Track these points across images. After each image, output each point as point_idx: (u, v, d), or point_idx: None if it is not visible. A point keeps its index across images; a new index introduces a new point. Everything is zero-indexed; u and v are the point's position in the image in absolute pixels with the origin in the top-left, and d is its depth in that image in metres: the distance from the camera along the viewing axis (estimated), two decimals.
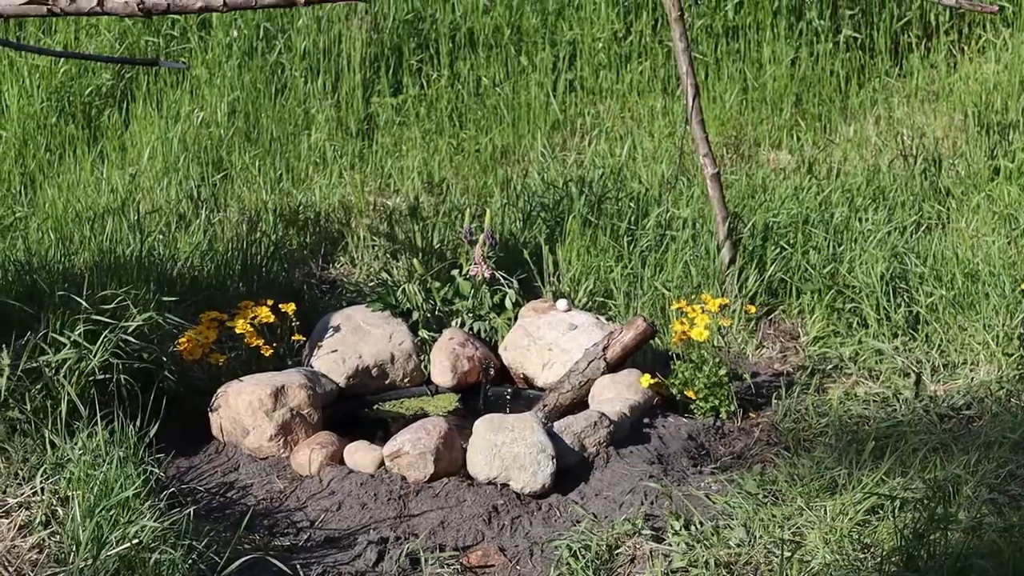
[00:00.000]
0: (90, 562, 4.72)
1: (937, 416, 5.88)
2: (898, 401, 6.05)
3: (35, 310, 6.36)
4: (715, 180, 6.95)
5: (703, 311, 6.27)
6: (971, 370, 6.27)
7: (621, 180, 7.99)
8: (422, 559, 5.20)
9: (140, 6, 6.82)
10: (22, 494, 5.28)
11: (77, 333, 5.84)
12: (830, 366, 6.43)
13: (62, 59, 9.59)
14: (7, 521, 5.16)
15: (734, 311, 6.53)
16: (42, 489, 5.27)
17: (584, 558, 5.04)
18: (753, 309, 6.78)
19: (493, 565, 5.24)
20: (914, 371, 6.26)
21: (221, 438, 6.16)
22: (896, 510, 5.05)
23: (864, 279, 6.77)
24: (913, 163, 8.24)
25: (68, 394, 5.64)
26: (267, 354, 6.33)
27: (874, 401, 6.09)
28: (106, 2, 6.65)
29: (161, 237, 7.59)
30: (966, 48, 10.39)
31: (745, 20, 10.15)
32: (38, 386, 5.70)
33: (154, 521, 4.91)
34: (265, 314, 6.41)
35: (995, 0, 10.00)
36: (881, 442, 5.58)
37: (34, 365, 5.75)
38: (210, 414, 6.16)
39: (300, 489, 5.76)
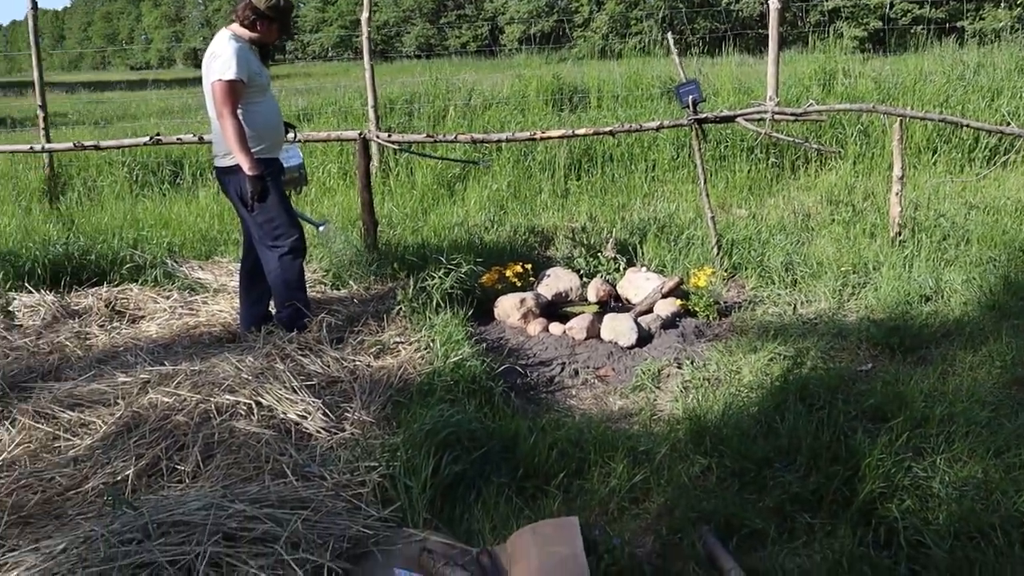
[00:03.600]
0: (443, 363, 4.96)
1: (801, 322, 5.92)
2: (785, 315, 6.08)
3: (423, 263, 6.62)
4: (712, 220, 6.97)
5: (704, 273, 6.37)
6: (817, 303, 6.27)
7: (672, 218, 8.01)
8: (579, 371, 5.37)
9: (472, 138, 6.99)
10: (417, 337, 5.52)
11: (440, 272, 6.03)
12: (758, 300, 6.43)
13: (438, 161, 9.78)
14: (411, 347, 5.41)
15: (717, 274, 6.53)
16: (424, 335, 5.52)
17: (647, 374, 5.18)
18: (725, 274, 6.80)
19: (609, 375, 5.36)
20: (792, 302, 6.28)
21: (498, 319, 6.26)
22: (781, 359, 5.14)
23: (774, 263, 6.78)
24: (796, 217, 8.17)
25: (435, 297, 5.85)
26: (519, 284, 6.44)
27: (775, 315, 6.10)
28: (459, 135, 6.81)
29: (477, 234, 7.76)
30: (821, 167, 10.25)
31: (729, 152, 10.08)
32: (423, 294, 5.91)
33: (469, 348, 5.16)
34: (518, 268, 6.54)
35: (835, 145, 9.98)
36: (777, 331, 5.66)
37: (422, 285, 5.98)
38: (494, 308, 6.27)
39: (530, 341, 5.85)
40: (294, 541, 3.24)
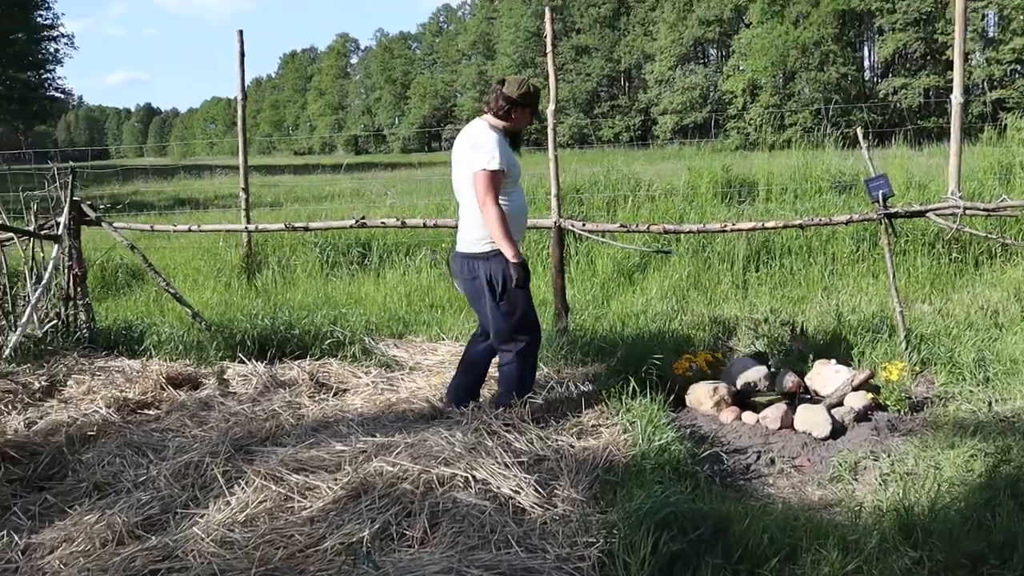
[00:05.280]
0: (647, 447, 5.08)
1: (999, 419, 5.82)
2: (980, 412, 6.00)
3: (612, 348, 6.81)
4: (901, 315, 6.95)
5: (896, 367, 6.35)
6: (1013, 402, 6.16)
7: (855, 311, 7.99)
8: (775, 460, 5.44)
9: (664, 228, 7.19)
10: (615, 420, 5.68)
11: (634, 357, 6.18)
12: (949, 395, 6.36)
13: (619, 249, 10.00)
14: (611, 430, 5.55)
15: (906, 369, 6.49)
16: (622, 418, 5.66)
17: (844, 465, 5.22)
18: (916, 369, 6.73)
19: (805, 466, 5.39)
20: (987, 400, 6.20)
21: (689, 406, 6.36)
22: (983, 456, 5.10)
23: (964, 359, 6.70)
24: (984, 313, 8.06)
25: (632, 382, 5.96)
26: (708, 373, 6.55)
27: (969, 411, 6.03)
28: (651, 226, 7.02)
29: (660, 325, 7.89)
30: (1007, 263, 10.08)
31: (909, 247, 10.02)
32: (618, 378, 6.08)
33: (673, 433, 5.27)
34: (709, 357, 6.65)
35: (1021, 240, 9.80)
36: (973, 428, 5.59)
37: (617, 368, 6.13)
38: (686, 396, 6.37)
39: (723, 428, 5.95)
40: None
